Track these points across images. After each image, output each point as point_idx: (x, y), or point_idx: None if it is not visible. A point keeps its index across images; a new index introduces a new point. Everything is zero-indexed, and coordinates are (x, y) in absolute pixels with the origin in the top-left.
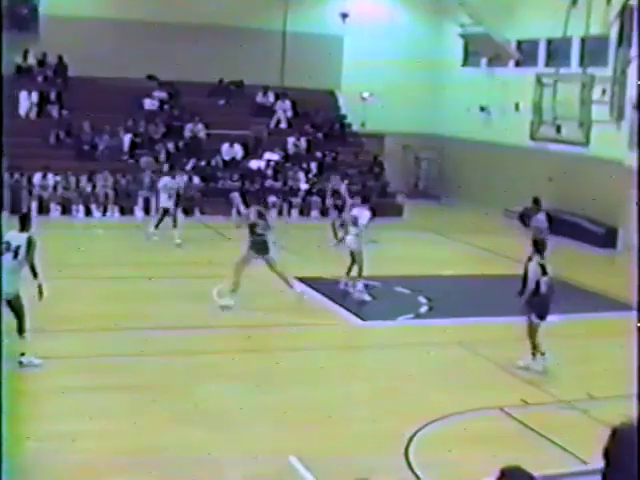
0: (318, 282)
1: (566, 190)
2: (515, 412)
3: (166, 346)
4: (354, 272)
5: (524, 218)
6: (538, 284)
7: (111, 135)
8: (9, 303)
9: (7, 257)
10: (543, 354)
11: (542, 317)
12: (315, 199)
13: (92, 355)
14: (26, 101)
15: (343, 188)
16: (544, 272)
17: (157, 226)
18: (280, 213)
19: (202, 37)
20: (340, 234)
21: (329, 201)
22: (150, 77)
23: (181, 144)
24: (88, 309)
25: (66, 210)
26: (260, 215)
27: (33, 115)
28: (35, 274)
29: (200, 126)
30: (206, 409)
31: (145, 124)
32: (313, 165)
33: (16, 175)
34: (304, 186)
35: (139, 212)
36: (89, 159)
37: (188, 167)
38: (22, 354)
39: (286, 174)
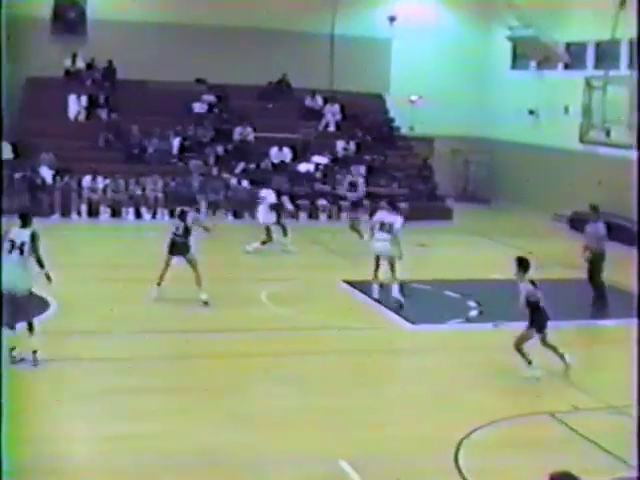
0: (367, 285)
1: (615, 194)
2: (565, 417)
3: (216, 348)
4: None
5: (577, 223)
6: (537, 302)
7: (160, 138)
8: (16, 298)
9: (14, 254)
10: (530, 362)
11: (541, 330)
12: (364, 202)
13: (142, 357)
14: (75, 104)
15: (360, 181)
16: (535, 287)
17: (266, 242)
18: (330, 216)
19: (251, 40)
20: (365, 236)
21: (345, 194)
22: (199, 80)
23: (230, 147)
24: (137, 311)
25: (116, 213)
26: (182, 215)
27: (82, 118)
28: (42, 265)
29: (249, 129)
30: (256, 411)
31: (194, 127)
32: (362, 168)
33: (65, 178)
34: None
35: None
36: (138, 162)
37: (237, 170)
38: (12, 349)
39: (335, 177)
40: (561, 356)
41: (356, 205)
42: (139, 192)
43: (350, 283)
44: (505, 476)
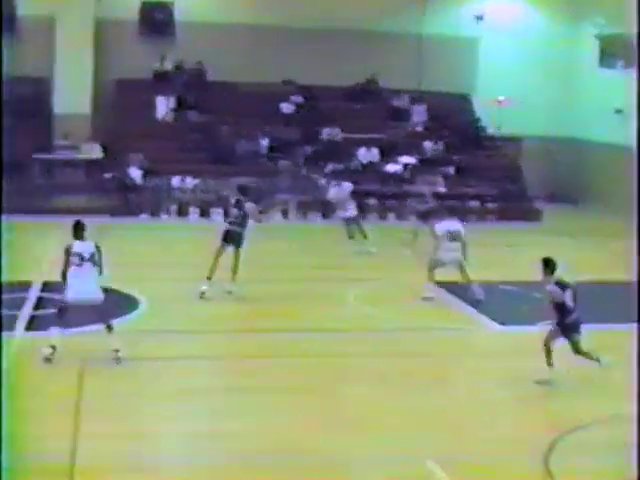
0: (455, 286)
1: None
2: None
3: (301, 348)
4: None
5: None
6: (564, 305)
7: (249, 139)
8: (91, 306)
9: (87, 267)
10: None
11: (568, 333)
12: (453, 203)
13: (225, 356)
14: (163, 106)
15: (428, 192)
16: (562, 288)
17: (351, 237)
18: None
19: (338, 41)
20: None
21: (414, 204)
22: (286, 81)
23: (319, 148)
24: (223, 310)
25: (204, 213)
26: (238, 204)
27: (170, 119)
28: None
29: (337, 130)
30: (340, 412)
31: (282, 128)
32: (450, 169)
33: (155, 178)
34: (442, 190)
35: (276, 215)
36: (227, 163)
37: (326, 171)
38: (116, 350)
39: (423, 178)
40: (597, 359)
41: (425, 216)
42: (227, 193)
43: (438, 283)
44: (596, 479)
